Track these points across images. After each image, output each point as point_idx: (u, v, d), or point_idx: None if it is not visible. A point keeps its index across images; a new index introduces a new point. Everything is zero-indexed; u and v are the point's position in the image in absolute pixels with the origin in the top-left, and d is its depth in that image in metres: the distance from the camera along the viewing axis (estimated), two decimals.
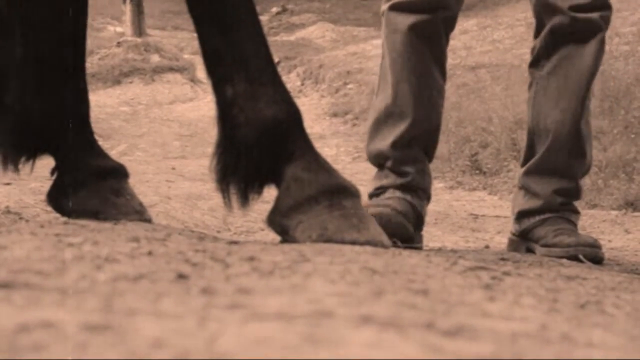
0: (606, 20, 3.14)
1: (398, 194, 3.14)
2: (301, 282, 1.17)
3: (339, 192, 2.06)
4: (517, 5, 14.39)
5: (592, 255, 2.96)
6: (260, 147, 2.08)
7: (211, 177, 2.12)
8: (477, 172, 7.44)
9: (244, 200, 2.13)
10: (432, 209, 5.71)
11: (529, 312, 1.12)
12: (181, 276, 1.19)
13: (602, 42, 3.16)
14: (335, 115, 11.10)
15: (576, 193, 3.23)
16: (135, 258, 1.38)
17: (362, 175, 6.76)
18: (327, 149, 8.83)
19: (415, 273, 1.41)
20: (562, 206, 3.17)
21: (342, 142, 9.74)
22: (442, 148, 7.65)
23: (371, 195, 3.21)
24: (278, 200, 2.10)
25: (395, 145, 3.15)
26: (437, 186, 7.11)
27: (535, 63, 3.19)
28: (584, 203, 5.42)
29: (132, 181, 2.45)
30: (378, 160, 3.24)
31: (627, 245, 4.10)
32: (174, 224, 3.60)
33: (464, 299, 1.17)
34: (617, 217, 5.29)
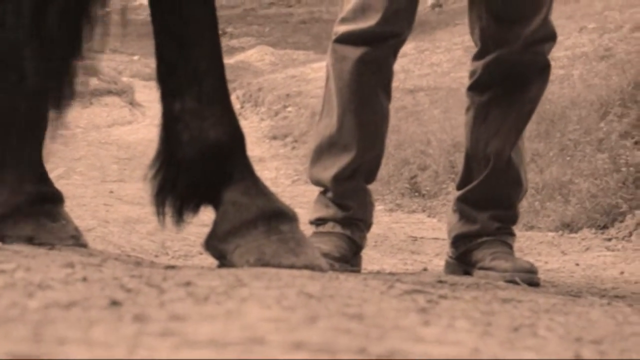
0: (549, 51, 3.17)
1: (338, 229, 3.14)
2: (236, 308, 1.17)
3: (277, 216, 2.06)
4: (454, 29, 14.54)
5: (529, 280, 2.98)
6: (200, 167, 2.07)
7: (147, 189, 2.11)
8: (416, 194, 7.47)
9: (179, 219, 2.12)
10: (371, 231, 5.71)
11: (462, 336, 1.12)
12: (114, 303, 1.17)
13: (546, 75, 3.17)
14: (274, 138, 11.09)
15: (513, 218, 3.25)
16: (69, 284, 1.36)
17: (301, 198, 6.76)
18: (266, 172, 8.81)
19: (351, 297, 1.41)
20: (498, 230, 3.19)
21: (281, 165, 9.73)
22: (381, 171, 7.65)
23: (312, 223, 3.21)
24: (216, 224, 2.10)
25: (337, 178, 3.14)
26: (377, 209, 7.11)
27: (476, 87, 3.18)
28: (521, 225, 5.47)
29: (69, 205, 2.43)
30: (319, 186, 3.24)
31: (563, 266, 4.15)
32: (111, 249, 3.56)
33: (398, 323, 1.17)
34: (553, 238, 5.35)
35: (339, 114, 3.11)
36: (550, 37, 3.13)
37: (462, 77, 9.51)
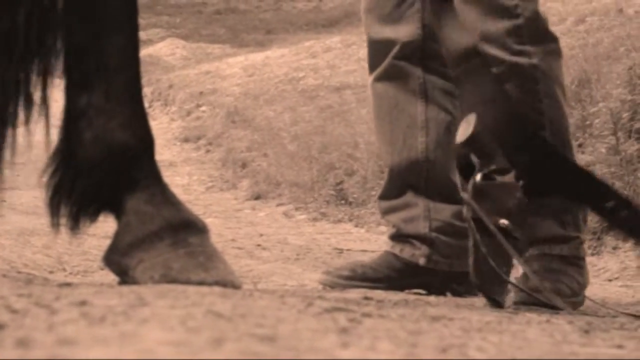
0: None
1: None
2: (134, 330, 1.16)
3: (185, 227, 2.05)
4: None
5: None
6: (102, 170, 2.05)
7: (43, 196, 2.08)
8: (343, 202, 7.49)
9: (74, 226, 2.09)
10: (293, 243, 5.72)
11: (384, 358, 1.12)
12: None
13: None
14: (186, 140, 11.04)
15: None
16: None
17: (216, 207, 6.72)
18: (178, 178, 8.75)
19: (265, 317, 1.40)
20: None
21: (194, 170, 9.69)
22: (304, 176, 7.68)
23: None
24: (117, 236, 2.08)
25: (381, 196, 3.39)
26: (299, 218, 7.13)
27: None
28: None
29: None
30: None
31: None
32: (0, 265, 3.51)
33: (315, 345, 1.17)
34: None
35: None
36: None
37: None
